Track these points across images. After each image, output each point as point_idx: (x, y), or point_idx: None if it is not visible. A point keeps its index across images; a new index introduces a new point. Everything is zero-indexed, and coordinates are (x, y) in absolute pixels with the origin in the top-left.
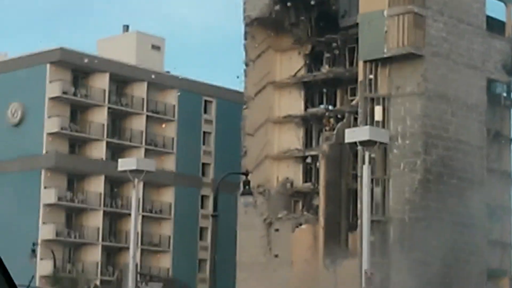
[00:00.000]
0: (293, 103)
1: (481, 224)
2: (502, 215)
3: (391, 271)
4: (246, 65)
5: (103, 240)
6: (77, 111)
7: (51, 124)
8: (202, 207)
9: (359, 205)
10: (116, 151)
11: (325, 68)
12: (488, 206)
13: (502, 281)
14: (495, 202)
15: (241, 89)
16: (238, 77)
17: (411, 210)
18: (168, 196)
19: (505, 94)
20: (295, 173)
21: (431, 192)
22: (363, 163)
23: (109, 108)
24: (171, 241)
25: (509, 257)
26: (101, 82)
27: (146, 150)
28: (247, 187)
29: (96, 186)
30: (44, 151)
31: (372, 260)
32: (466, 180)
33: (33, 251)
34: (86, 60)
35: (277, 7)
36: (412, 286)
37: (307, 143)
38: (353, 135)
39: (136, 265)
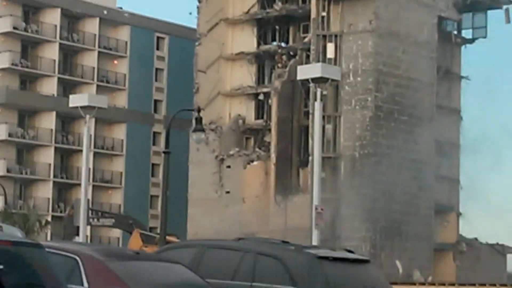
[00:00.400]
0: (246, 40)
1: (429, 160)
2: (451, 151)
3: (341, 207)
4: (199, 1)
5: (54, 176)
6: (28, 47)
7: (2, 60)
8: (154, 144)
9: (310, 142)
10: (67, 87)
11: (278, 5)
12: (437, 143)
13: (450, 216)
14: (444, 139)
15: (194, 26)
16: (190, 13)
17: (362, 147)
18: (120, 132)
19: (455, 32)
20: (247, 110)
21: (381, 129)
22: (315, 100)
23: (60, 44)
24: (123, 177)
25: (456, 192)
26: (52, 18)
27: (98, 87)
28: (199, 123)
29: (48, 122)
30: None
31: (322, 196)
32: (416, 117)
33: None
34: None
35: None
36: (362, 221)
37: (260, 80)
38: (305, 72)
39: (88, 201)
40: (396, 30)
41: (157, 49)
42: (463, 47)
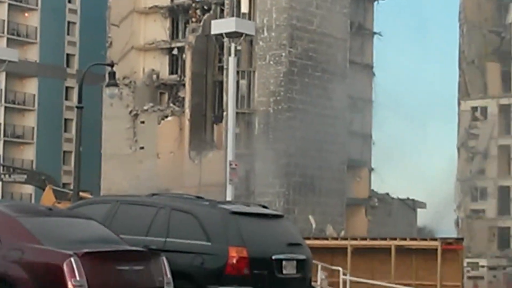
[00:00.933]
0: None
1: (343, 116)
2: (363, 107)
3: (256, 162)
4: None
5: None
6: None
7: None
8: (66, 99)
9: (224, 97)
10: None
11: None
12: (350, 98)
13: (362, 171)
14: (357, 94)
15: None
16: None
17: (276, 102)
18: (31, 87)
19: None
20: (161, 65)
21: (295, 84)
22: (229, 55)
23: None
24: (35, 132)
25: (369, 148)
26: None
27: (9, 40)
28: (112, 78)
29: None
30: None
31: (237, 151)
32: (330, 72)
33: None
34: None
35: None
36: (276, 176)
37: (174, 35)
38: (219, 26)
39: None
40: None
41: (69, 1)
42: (375, 3)
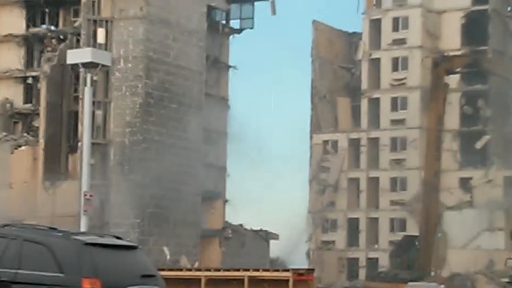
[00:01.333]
0: (14, 22)
1: (198, 148)
2: (218, 139)
3: (111, 193)
4: None
5: None
6: None
7: None
8: None
9: (80, 128)
10: None
11: None
12: (205, 130)
13: (216, 202)
14: (212, 127)
15: None
16: None
17: (132, 133)
18: None
19: (224, 22)
20: (15, 94)
21: (151, 115)
22: (85, 85)
23: None
24: None
25: (223, 179)
26: None
27: None
28: None
29: None
30: None
31: (91, 182)
32: (185, 104)
33: None
34: None
35: None
36: (131, 207)
37: (28, 64)
38: (75, 56)
39: None
40: (166, 18)
41: None
42: (231, 37)
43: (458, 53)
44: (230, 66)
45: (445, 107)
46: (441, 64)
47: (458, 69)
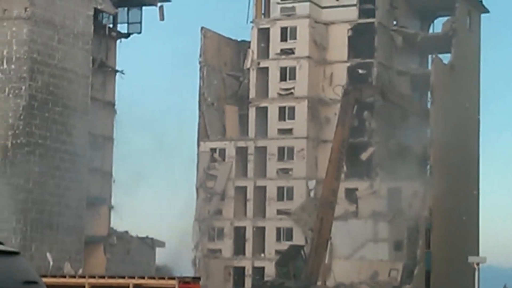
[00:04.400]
0: None
1: (83, 152)
2: (104, 144)
3: None
4: None
5: None
6: None
7: None
8: None
9: None
10: None
11: None
12: (91, 135)
13: (101, 208)
14: (97, 131)
15: None
16: None
17: (14, 136)
18: None
19: (111, 25)
20: None
21: (35, 118)
22: None
23: None
24: None
25: (109, 185)
26: None
27: None
28: None
29: None
30: None
31: None
32: (71, 108)
33: None
34: None
35: None
36: (12, 212)
37: None
38: None
39: None
40: (52, 19)
41: None
42: (118, 41)
43: (346, 65)
44: (117, 71)
45: (348, 132)
46: (351, 93)
47: (367, 99)
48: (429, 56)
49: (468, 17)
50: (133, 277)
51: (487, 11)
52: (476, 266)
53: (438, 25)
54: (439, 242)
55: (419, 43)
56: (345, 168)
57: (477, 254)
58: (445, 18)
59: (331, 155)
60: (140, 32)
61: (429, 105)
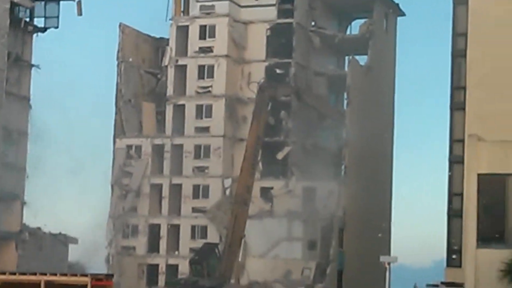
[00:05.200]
0: None
1: None
2: (19, 139)
3: None
4: None
5: None
6: None
7: None
8: None
9: None
10: None
11: None
12: (5, 130)
13: (14, 204)
14: (12, 126)
15: None
16: None
17: None
18: None
19: (27, 19)
20: None
21: None
22: None
23: None
24: None
25: (22, 181)
26: None
27: None
28: None
29: None
30: None
31: None
32: None
33: None
34: None
35: None
36: None
37: None
38: None
39: None
40: None
41: None
42: (35, 35)
43: (264, 64)
44: (32, 65)
45: (263, 129)
46: (266, 90)
47: (282, 97)
48: (346, 58)
49: (385, 20)
50: (45, 274)
51: (403, 14)
52: (387, 266)
53: (355, 27)
54: (351, 242)
55: (336, 44)
56: (261, 167)
57: (389, 254)
58: (363, 20)
59: (245, 152)
60: (57, 27)
61: (345, 106)
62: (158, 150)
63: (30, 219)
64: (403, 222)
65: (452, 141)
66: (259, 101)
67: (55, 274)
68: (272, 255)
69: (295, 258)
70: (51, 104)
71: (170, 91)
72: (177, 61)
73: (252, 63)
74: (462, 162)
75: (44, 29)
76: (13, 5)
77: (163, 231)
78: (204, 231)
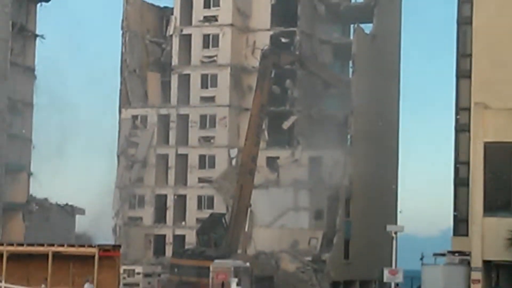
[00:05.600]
0: None
1: (2, 118)
2: (24, 110)
3: None
4: None
5: None
6: None
7: None
8: None
9: None
10: None
11: None
12: (10, 100)
13: (21, 175)
14: (17, 97)
15: None
16: None
17: None
18: None
19: None
20: None
21: None
22: None
23: None
24: None
25: (28, 152)
26: None
27: None
28: None
29: None
30: None
31: None
32: None
33: None
34: None
35: None
36: None
37: None
38: None
39: None
40: None
41: None
42: (39, 5)
43: (269, 33)
44: (37, 35)
45: (268, 97)
46: (269, 57)
47: (286, 66)
48: (351, 26)
49: None
50: (53, 245)
51: None
52: (394, 235)
53: None
54: (358, 211)
55: (341, 12)
56: (266, 136)
57: (395, 223)
58: None
59: (250, 120)
60: None
61: (350, 75)
62: (164, 120)
63: (37, 190)
64: (409, 191)
65: (458, 109)
66: (263, 68)
67: (63, 245)
68: (278, 225)
69: (302, 228)
70: (56, 74)
71: (175, 60)
72: (181, 30)
73: (257, 32)
74: (469, 131)
75: None
76: None
77: (170, 202)
78: (210, 201)
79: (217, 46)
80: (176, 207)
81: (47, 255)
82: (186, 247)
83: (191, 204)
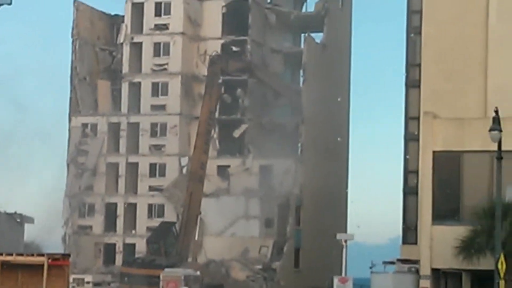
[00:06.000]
0: None
1: None
2: None
3: None
4: None
5: None
6: None
7: None
8: None
9: None
10: None
11: None
12: None
13: None
14: None
15: None
16: None
17: None
18: None
19: None
20: None
21: None
22: None
23: None
24: None
25: None
26: None
27: None
28: None
29: None
30: None
31: None
32: None
33: None
34: None
35: None
36: None
37: None
38: None
39: None
40: None
41: None
42: None
43: (220, 42)
44: None
45: (217, 103)
46: (217, 63)
47: (234, 72)
48: (302, 35)
49: None
50: (1, 254)
51: None
52: (344, 243)
53: (311, 4)
54: (308, 220)
55: (292, 21)
56: (217, 145)
57: (345, 231)
58: None
59: (198, 127)
60: (10, 3)
61: (301, 83)
62: (114, 128)
63: None
64: (359, 200)
65: (407, 118)
66: (211, 74)
67: (11, 254)
68: (229, 234)
69: (253, 236)
70: (5, 82)
71: (125, 68)
72: (132, 38)
73: (208, 41)
74: (418, 140)
75: None
76: None
77: (120, 210)
78: (161, 209)
79: (168, 54)
80: (126, 216)
81: None
82: (136, 255)
83: (141, 212)
